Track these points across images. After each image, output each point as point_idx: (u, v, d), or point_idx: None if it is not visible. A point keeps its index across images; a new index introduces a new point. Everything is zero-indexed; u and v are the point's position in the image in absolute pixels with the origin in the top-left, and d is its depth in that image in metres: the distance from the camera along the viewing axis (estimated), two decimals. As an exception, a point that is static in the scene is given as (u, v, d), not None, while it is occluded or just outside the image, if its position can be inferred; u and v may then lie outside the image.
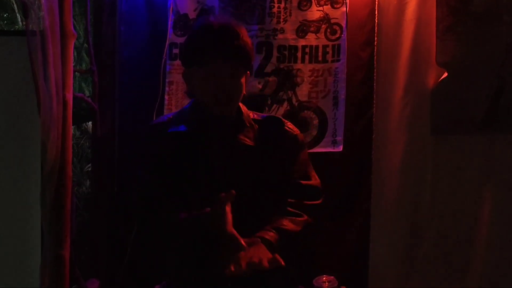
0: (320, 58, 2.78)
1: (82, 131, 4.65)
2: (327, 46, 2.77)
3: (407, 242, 2.73)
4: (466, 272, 2.69)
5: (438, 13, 2.66)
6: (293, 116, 2.78)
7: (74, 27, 2.51)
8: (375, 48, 2.75)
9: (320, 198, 2.00)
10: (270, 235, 1.85)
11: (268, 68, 2.79)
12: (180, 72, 2.23)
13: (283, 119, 2.10)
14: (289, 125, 2.07)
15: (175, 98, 2.78)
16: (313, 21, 2.78)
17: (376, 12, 2.74)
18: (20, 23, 4.78)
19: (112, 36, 2.82)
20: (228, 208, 1.78)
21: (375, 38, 2.74)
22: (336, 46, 2.77)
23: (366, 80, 2.78)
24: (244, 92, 1.97)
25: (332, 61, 2.77)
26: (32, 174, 2.48)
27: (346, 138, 2.76)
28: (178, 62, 2.75)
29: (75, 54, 4.02)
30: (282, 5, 2.78)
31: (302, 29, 2.78)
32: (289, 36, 2.78)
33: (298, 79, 2.79)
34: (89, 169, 3.96)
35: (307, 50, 2.78)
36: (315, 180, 2.03)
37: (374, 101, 2.75)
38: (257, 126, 2.01)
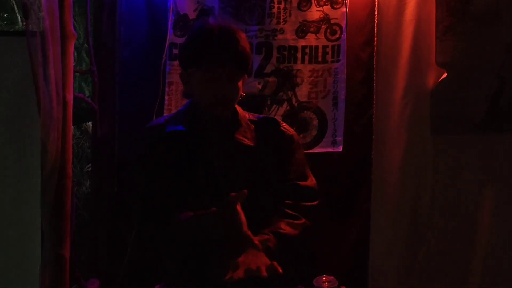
0: (320, 59, 2.78)
1: (82, 131, 4.65)
2: (327, 46, 2.78)
3: (407, 242, 2.73)
4: (466, 272, 2.70)
5: (438, 13, 2.66)
6: (293, 116, 2.78)
7: (74, 27, 2.51)
8: (375, 48, 2.75)
9: (317, 199, 2.00)
10: (269, 239, 1.84)
11: (268, 69, 2.79)
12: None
13: (279, 120, 2.11)
14: (285, 126, 2.08)
15: (175, 99, 2.78)
16: (313, 21, 2.78)
17: (376, 13, 2.74)
18: (20, 23, 4.78)
19: (112, 36, 2.81)
20: (239, 208, 1.78)
21: (375, 39, 2.75)
22: (336, 47, 2.77)
23: (366, 81, 2.78)
24: (242, 93, 1.98)
25: (332, 62, 2.77)
26: (32, 174, 2.48)
27: (346, 138, 2.76)
28: (178, 62, 2.75)
29: (75, 54, 4.02)
30: (282, 5, 2.79)
31: (302, 30, 2.78)
32: (289, 37, 2.79)
33: (298, 80, 2.79)
34: (89, 169, 3.95)
35: (307, 50, 2.78)
36: (311, 181, 2.03)
37: (374, 101, 2.75)
38: (253, 126, 2.02)
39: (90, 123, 3.52)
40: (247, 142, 1.96)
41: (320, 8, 2.78)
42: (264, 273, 1.72)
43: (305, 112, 2.79)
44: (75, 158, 4.33)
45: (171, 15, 2.79)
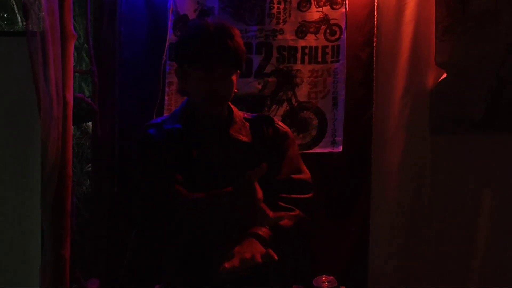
0: (319, 59, 2.79)
1: (82, 131, 4.65)
2: (327, 46, 2.78)
3: (407, 242, 2.73)
4: (466, 272, 2.70)
5: (437, 13, 2.66)
6: (293, 116, 2.78)
7: (74, 27, 2.52)
8: (375, 48, 2.75)
9: (311, 191, 2.01)
10: (264, 231, 1.85)
11: (268, 69, 2.79)
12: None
13: (273, 118, 2.13)
14: (279, 123, 2.11)
15: (175, 99, 2.78)
16: (312, 22, 2.78)
17: (376, 13, 2.75)
18: (20, 23, 4.79)
19: (112, 37, 2.82)
20: (257, 185, 1.80)
21: (375, 39, 2.75)
22: (335, 47, 2.78)
23: (365, 81, 2.78)
24: (236, 90, 1.99)
25: (332, 62, 2.78)
26: (32, 174, 2.48)
27: (346, 138, 2.76)
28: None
29: (75, 54, 4.02)
30: (282, 6, 2.79)
31: (302, 30, 2.79)
32: (288, 37, 2.79)
33: (298, 80, 2.79)
34: (89, 169, 3.96)
35: (307, 50, 2.79)
36: (305, 174, 2.04)
37: (374, 102, 2.76)
38: (248, 124, 2.04)
39: (90, 123, 3.52)
40: (242, 138, 1.98)
41: (320, 9, 2.78)
42: (259, 259, 1.74)
43: (305, 112, 2.79)
44: (75, 158, 4.34)
45: (171, 15, 2.79)
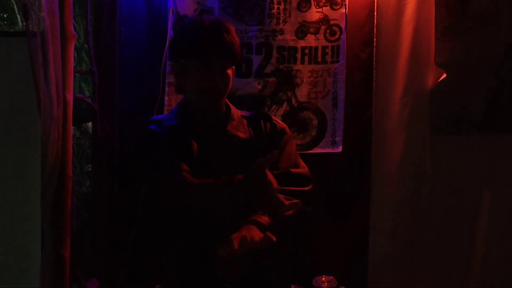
0: (319, 59, 2.79)
1: (82, 131, 4.65)
2: (327, 47, 2.78)
3: (407, 242, 2.73)
4: (466, 272, 2.70)
5: (437, 13, 2.66)
6: (293, 116, 2.79)
7: (74, 28, 2.52)
8: (374, 49, 2.76)
9: (310, 184, 2.00)
10: (263, 219, 1.85)
11: (268, 69, 2.80)
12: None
13: (270, 115, 2.13)
14: (277, 119, 2.11)
15: (175, 99, 2.78)
16: (312, 22, 2.79)
17: (375, 13, 2.75)
18: (21, 24, 4.79)
19: (112, 37, 2.82)
20: (268, 172, 1.79)
21: (374, 39, 2.75)
22: (335, 47, 2.78)
23: (365, 81, 2.79)
24: (231, 86, 2.00)
25: (332, 62, 2.78)
26: (32, 174, 2.48)
27: (346, 138, 2.76)
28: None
29: (75, 54, 4.02)
30: (282, 6, 2.79)
31: (302, 30, 2.79)
32: (288, 37, 2.79)
33: (298, 80, 2.79)
34: (89, 169, 3.96)
35: (307, 51, 2.79)
36: (303, 169, 2.04)
37: (374, 102, 2.76)
38: (245, 121, 2.05)
39: (90, 123, 3.52)
40: (240, 134, 1.99)
41: (320, 9, 2.78)
42: (258, 241, 1.74)
43: (305, 112, 2.79)
44: (75, 158, 4.34)
45: (171, 15, 2.79)
